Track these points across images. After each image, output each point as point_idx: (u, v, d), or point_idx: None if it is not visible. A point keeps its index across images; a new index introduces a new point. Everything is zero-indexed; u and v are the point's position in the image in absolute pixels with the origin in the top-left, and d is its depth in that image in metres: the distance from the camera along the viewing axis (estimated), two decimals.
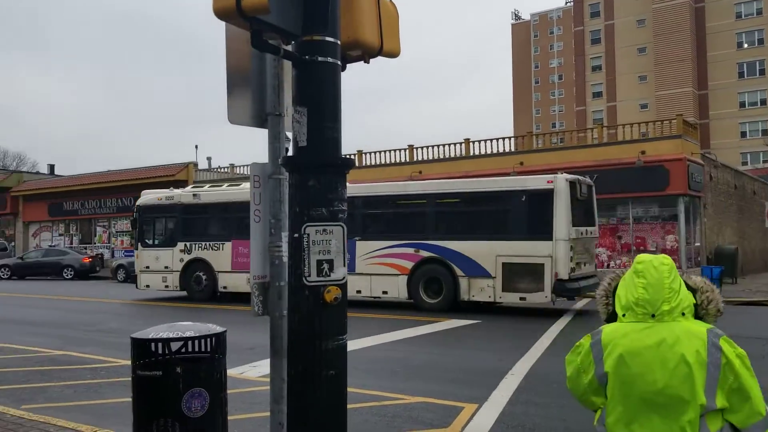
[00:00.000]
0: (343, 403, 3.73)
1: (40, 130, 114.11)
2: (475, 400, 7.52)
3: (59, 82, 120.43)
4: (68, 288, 25.51)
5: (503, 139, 30.76)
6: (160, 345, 4.46)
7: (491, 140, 30.61)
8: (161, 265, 20.27)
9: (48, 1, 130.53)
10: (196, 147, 51.07)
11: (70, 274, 30.97)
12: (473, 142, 31.02)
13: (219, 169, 40.60)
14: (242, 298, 17.73)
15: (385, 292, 17.21)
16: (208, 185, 23.29)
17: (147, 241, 20.79)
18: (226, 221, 19.81)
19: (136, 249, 21.24)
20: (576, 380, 2.89)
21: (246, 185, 18.79)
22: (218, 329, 4.73)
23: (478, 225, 16.46)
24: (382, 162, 32.24)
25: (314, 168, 3.60)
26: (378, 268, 17.13)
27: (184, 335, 4.54)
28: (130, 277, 28.35)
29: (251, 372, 9.17)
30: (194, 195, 20.29)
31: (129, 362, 9.89)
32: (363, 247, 17.23)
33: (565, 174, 15.74)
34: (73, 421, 6.42)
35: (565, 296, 15.46)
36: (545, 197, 15.34)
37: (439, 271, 16.40)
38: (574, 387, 2.91)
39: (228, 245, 19.22)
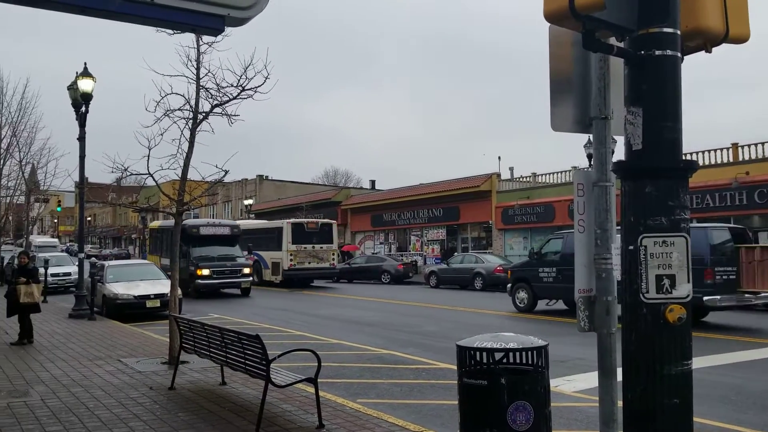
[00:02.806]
0: None
1: (363, 148, 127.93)
2: None
3: (376, 103, 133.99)
4: (386, 291, 27.91)
5: None
6: (484, 354, 4.50)
7: None
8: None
9: (362, 30, 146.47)
10: (499, 158, 52.36)
11: (387, 279, 33.98)
12: None
13: (521, 179, 40.84)
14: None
15: None
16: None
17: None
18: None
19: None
20: None
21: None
22: (540, 342, 4.62)
23: (266, 243, 32.11)
24: (701, 164, 29.09)
25: (651, 173, 3.29)
26: None
27: (507, 346, 4.52)
28: (443, 282, 30.13)
29: (566, 386, 8.89)
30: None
31: (446, 365, 10.33)
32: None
33: (291, 219, 33.20)
34: (401, 419, 6.87)
35: (288, 278, 30.77)
36: (281, 231, 31.44)
37: (259, 266, 31.84)
38: None
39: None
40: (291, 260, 30.63)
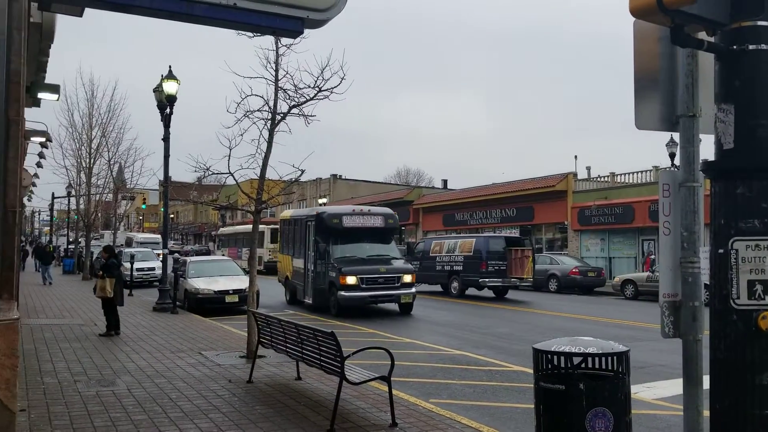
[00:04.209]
0: None
1: (436, 148, 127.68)
2: None
3: (451, 102, 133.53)
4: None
5: None
6: (562, 358, 4.42)
7: None
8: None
9: (433, 32, 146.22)
10: (576, 157, 51.06)
11: None
12: None
13: (599, 178, 39.73)
14: None
15: None
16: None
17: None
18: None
19: None
20: None
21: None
22: (621, 348, 4.50)
23: None
24: None
25: (744, 173, 3.14)
26: None
27: (586, 351, 4.42)
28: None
29: (645, 393, 8.61)
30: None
31: (520, 368, 10.16)
32: None
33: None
34: (475, 421, 6.82)
35: None
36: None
37: None
38: None
39: None
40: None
